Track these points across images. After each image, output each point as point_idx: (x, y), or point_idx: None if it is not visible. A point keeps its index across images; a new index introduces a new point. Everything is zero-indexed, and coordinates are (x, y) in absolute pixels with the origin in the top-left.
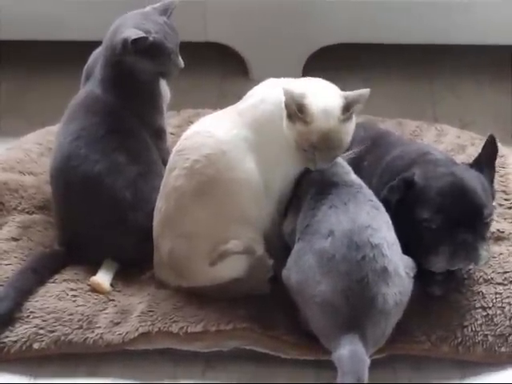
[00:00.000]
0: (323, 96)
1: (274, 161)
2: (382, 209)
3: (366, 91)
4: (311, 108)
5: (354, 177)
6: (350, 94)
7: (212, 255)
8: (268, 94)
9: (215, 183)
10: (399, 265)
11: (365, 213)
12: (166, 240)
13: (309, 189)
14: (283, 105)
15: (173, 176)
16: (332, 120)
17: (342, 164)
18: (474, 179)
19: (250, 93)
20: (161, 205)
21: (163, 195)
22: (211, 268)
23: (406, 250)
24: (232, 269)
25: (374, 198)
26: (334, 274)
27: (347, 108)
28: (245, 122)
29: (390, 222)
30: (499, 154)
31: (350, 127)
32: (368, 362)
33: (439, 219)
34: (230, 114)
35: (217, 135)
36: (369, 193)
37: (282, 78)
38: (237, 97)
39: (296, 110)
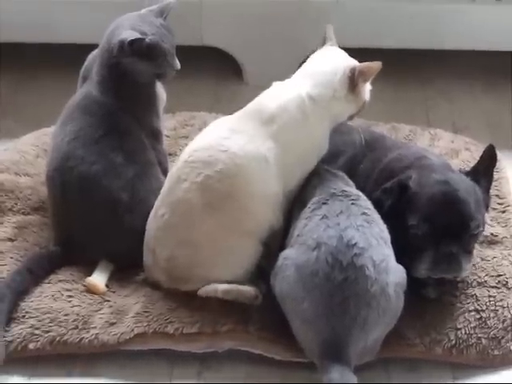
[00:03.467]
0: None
1: (297, 165)
2: (376, 221)
3: None
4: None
5: (353, 189)
6: None
7: (202, 290)
8: (287, 99)
9: (230, 198)
10: (388, 283)
11: (354, 228)
12: (166, 247)
13: (309, 196)
14: (342, 85)
15: (182, 188)
16: None
17: (345, 178)
18: (466, 190)
19: (261, 99)
20: (163, 212)
21: (167, 203)
22: (209, 274)
23: (396, 252)
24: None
25: (370, 210)
26: (316, 295)
27: None
28: (268, 133)
29: (384, 233)
30: None
31: None
32: (356, 378)
33: (425, 227)
34: (246, 123)
35: (232, 149)
36: (365, 204)
37: (287, 80)
38: (231, 100)
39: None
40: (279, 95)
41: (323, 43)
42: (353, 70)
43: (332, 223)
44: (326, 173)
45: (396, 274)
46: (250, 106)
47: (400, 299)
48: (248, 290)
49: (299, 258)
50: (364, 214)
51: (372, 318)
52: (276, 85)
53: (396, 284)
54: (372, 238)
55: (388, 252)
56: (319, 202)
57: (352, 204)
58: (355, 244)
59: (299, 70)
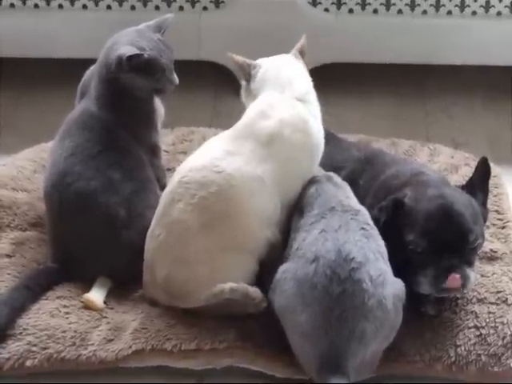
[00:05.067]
0: None
1: (299, 178)
2: (375, 236)
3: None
4: None
5: (353, 201)
6: None
7: (207, 294)
8: (288, 115)
9: (226, 219)
10: (385, 297)
11: (353, 243)
12: (163, 266)
13: (307, 208)
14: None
15: (177, 208)
16: None
17: (344, 187)
18: (463, 203)
19: (253, 119)
20: (158, 232)
21: (162, 224)
22: (207, 291)
23: (397, 269)
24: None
25: (368, 225)
26: (315, 308)
27: None
28: (268, 154)
29: (382, 248)
30: (492, 173)
31: None
32: None
33: (424, 242)
34: (242, 144)
35: (228, 170)
36: (363, 219)
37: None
38: (230, 115)
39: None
40: (270, 114)
41: (247, 72)
42: (301, 49)
43: (331, 237)
44: (326, 182)
45: (394, 287)
46: (242, 126)
47: (398, 312)
48: (255, 290)
49: (298, 271)
50: (362, 229)
51: (370, 331)
52: (258, 104)
53: (394, 297)
54: (370, 253)
55: (385, 267)
56: (318, 216)
57: (351, 219)
58: (353, 258)
59: (262, 85)
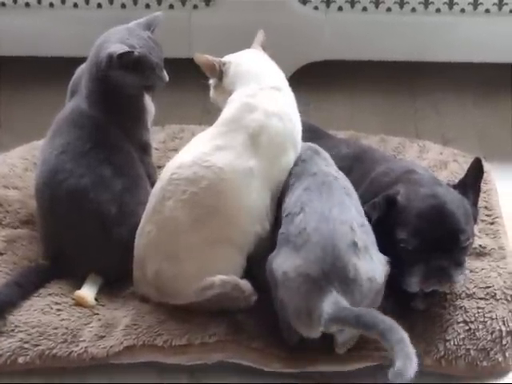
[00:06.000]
0: None
1: (285, 167)
2: (354, 196)
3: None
4: None
5: (333, 169)
6: None
7: (197, 287)
8: (266, 112)
9: (216, 214)
10: (369, 246)
11: (336, 196)
12: (153, 262)
13: (291, 179)
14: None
15: (168, 205)
16: None
17: (325, 157)
18: (455, 203)
19: (238, 113)
20: (149, 229)
21: (153, 221)
22: (196, 287)
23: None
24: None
25: (350, 190)
26: (307, 246)
27: None
28: (258, 146)
29: (361, 209)
30: None
31: None
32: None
33: (415, 242)
34: (232, 138)
35: (218, 165)
36: (344, 183)
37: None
38: (220, 112)
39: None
40: (254, 106)
41: (218, 69)
42: (262, 44)
43: (314, 193)
44: (311, 154)
45: (378, 253)
46: (229, 121)
47: (382, 272)
48: (246, 283)
49: (288, 228)
50: (344, 188)
51: (363, 270)
52: (239, 98)
53: (377, 254)
54: (351, 206)
55: (366, 222)
56: (302, 179)
57: (333, 180)
58: (337, 205)
59: (236, 80)
